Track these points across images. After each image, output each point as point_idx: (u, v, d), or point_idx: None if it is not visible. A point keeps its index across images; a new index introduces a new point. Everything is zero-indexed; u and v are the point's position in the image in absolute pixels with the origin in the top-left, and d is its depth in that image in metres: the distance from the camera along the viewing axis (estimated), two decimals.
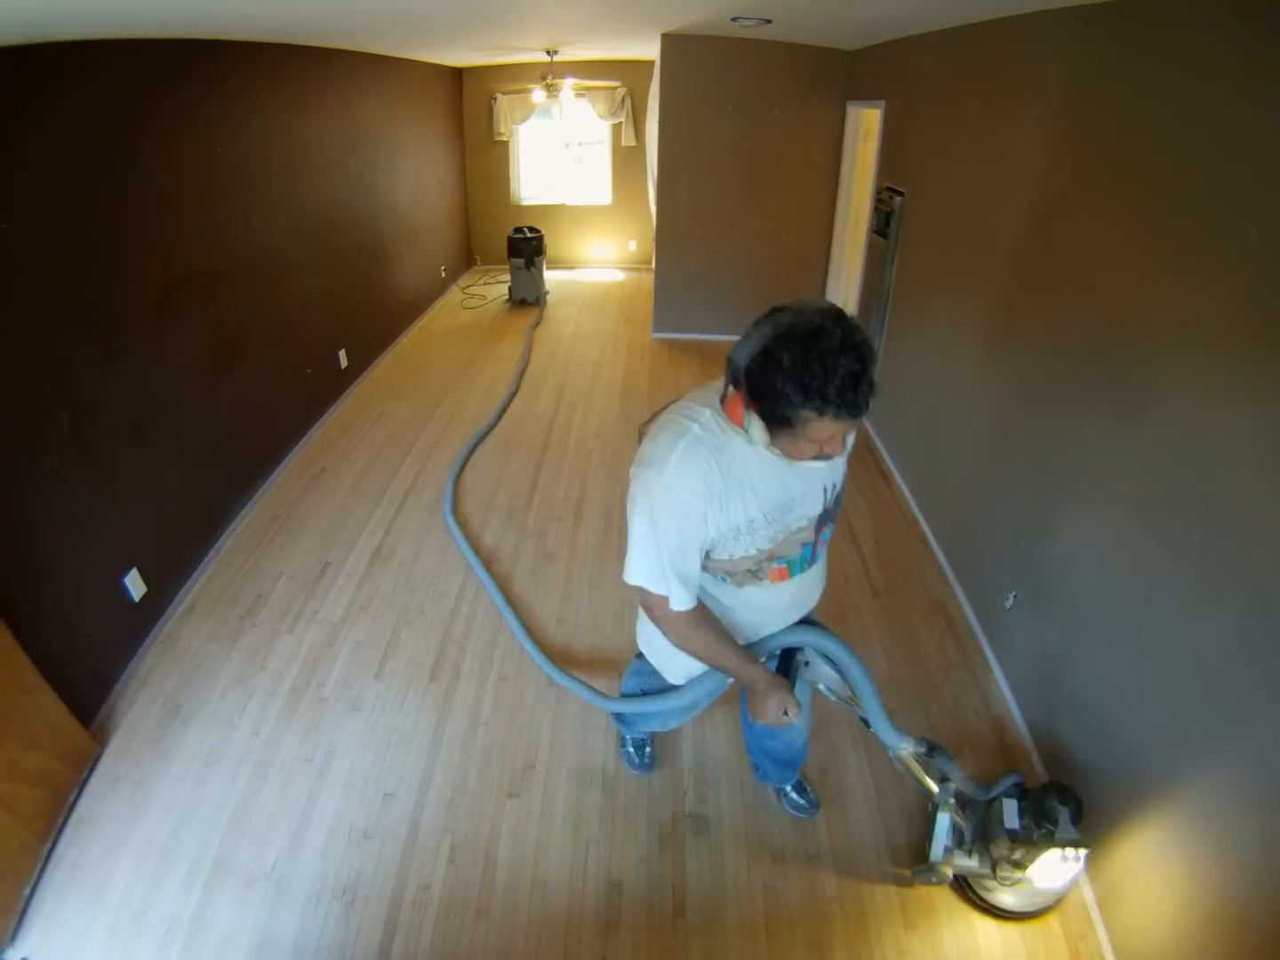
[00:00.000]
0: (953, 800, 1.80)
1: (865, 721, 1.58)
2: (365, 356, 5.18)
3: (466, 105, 7.44)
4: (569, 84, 6.46)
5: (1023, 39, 2.56)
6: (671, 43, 4.92)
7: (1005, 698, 2.51)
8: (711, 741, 2.35)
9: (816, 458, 1.12)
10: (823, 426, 1.02)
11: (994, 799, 1.88)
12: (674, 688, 1.62)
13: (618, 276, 7.98)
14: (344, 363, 4.77)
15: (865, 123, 4.90)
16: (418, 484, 3.78)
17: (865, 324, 4.46)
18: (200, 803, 2.15)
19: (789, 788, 2.14)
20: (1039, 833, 1.77)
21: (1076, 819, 1.77)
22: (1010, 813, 1.87)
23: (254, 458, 3.68)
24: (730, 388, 1.15)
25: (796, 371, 0.97)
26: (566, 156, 7.84)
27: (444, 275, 7.18)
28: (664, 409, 1.28)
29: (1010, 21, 2.62)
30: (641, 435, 1.29)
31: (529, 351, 5.56)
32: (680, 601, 1.25)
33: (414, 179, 6.19)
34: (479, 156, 7.69)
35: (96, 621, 2.48)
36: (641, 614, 1.55)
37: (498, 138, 7.54)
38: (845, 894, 1.94)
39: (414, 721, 2.41)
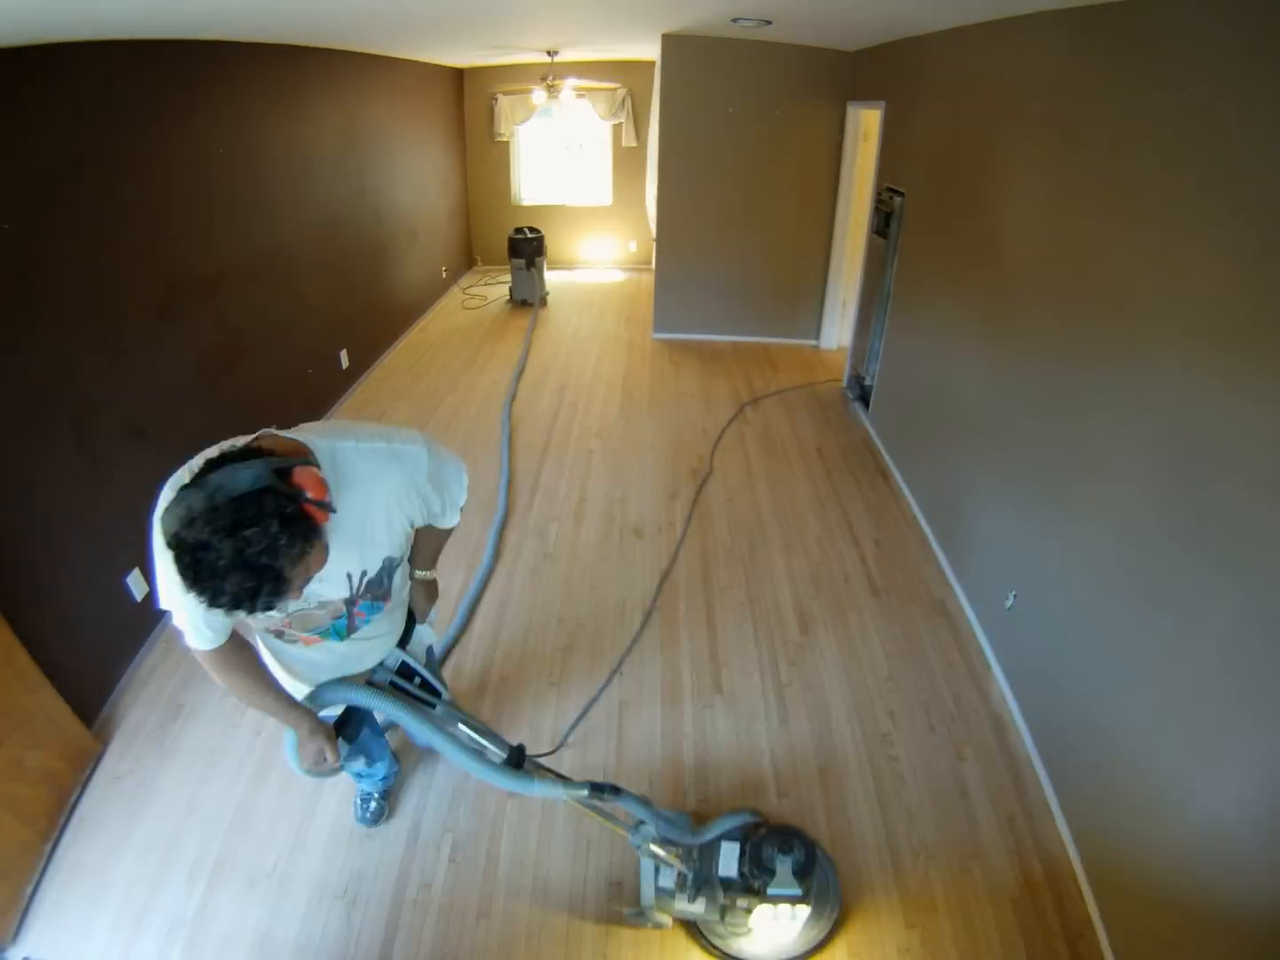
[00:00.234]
0: (651, 844, 1.60)
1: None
2: (366, 357, 5.19)
3: (467, 106, 7.45)
4: (569, 85, 6.47)
5: (1023, 39, 2.56)
6: (672, 43, 4.93)
7: (1005, 698, 2.51)
8: (712, 741, 2.36)
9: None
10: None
11: (707, 838, 1.72)
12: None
13: (618, 277, 7.98)
14: (345, 363, 4.78)
15: (865, 123, 4.90)
16: None
17: (866, 324, 4.47)
18: (202, 802, 2.15)
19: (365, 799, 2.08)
20: (756, 882, 1.62)
21: (802, 870, 1.61)
22: (728, 858, 1.71)
23: None
24: None
25: (189, 584, 0.89)
26: (566, 156, 7.85)
27: (445, 276, 7.19)
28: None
29: (1010, 22, 2.63)
30: None
31: (525, 356, 5.56)
32: (197, 640, 1.18)
33: (415, 179, 6.20)
34: (479, 157, 7.70)
35: (99, 621, 2.49)
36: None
37: (498, 138, 7.54)
38: (846, 895, 1.94)
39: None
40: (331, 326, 4.58)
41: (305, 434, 1.12)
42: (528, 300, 6.80)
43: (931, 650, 2.73)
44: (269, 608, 0.93)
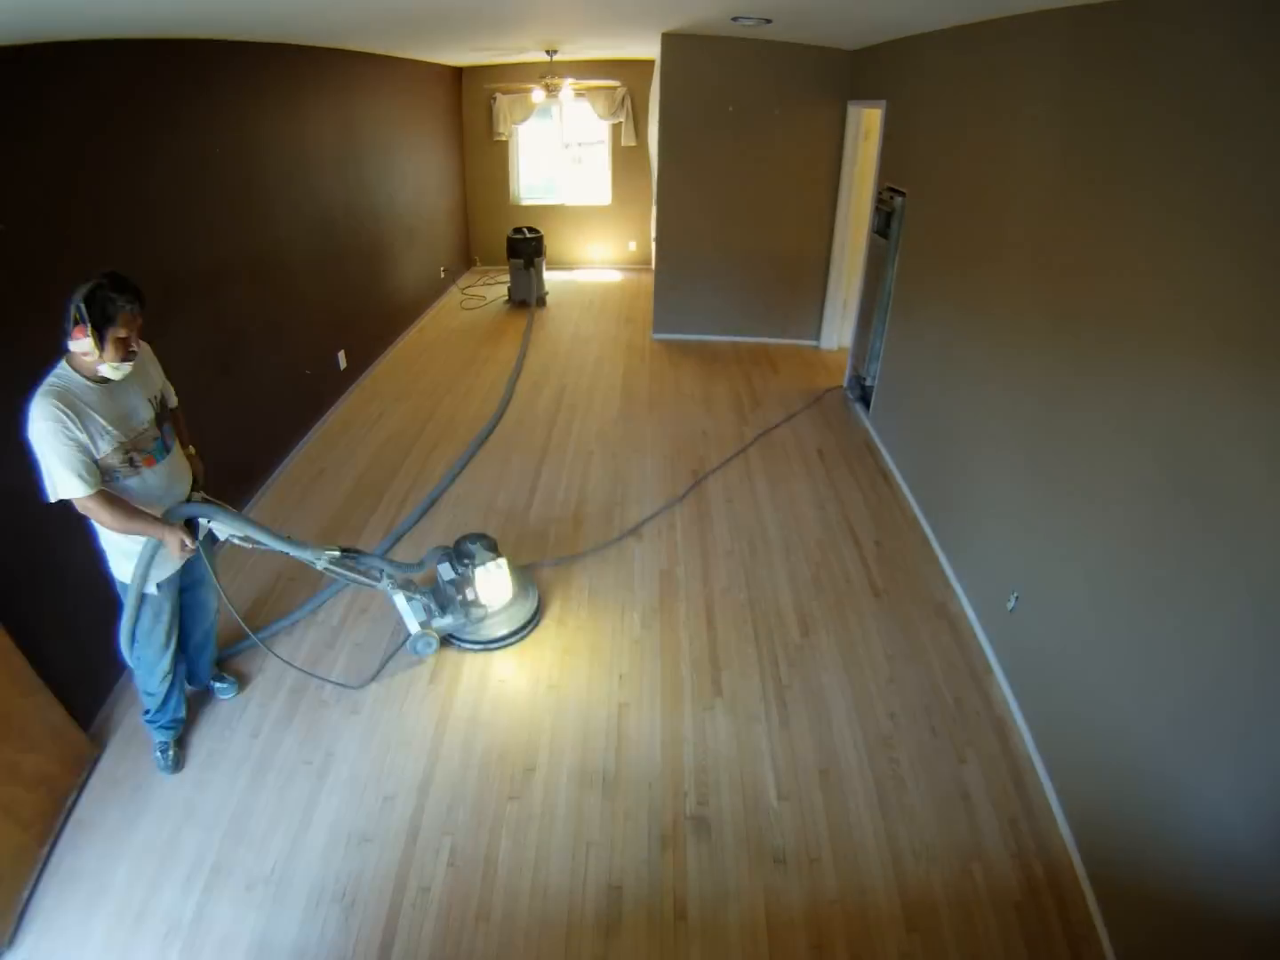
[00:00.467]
0: (395, 585, 2.32)
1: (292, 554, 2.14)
2: (365, 357, 5.18)
3: (466, 105, 7.44)
4: (569, 84, 6.46)
5: (1023, 39, 2.55)
6: (672, 42, 4.92)
7: (1007, 699, 2.50)
8: (712, 744, 2.35)
9: (125, 358, 1.73)
10: (127, 320, 1.68)
11: (427, 566, 2.54)
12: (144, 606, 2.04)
13: (617, 277, 7.97)
14: (343, 364, 4.77)
15: (865, 123, 4.90)
16: (417, 485, 3.77)
17: (866, 324, 4.46)
18: (199, 805, 2.14)
19: (215, 683, 2.48)
20: (467, 568, 2.41)
21: (490, 545, 2.50)
22: (444, 570, 2.54)
23: (254, 458, 3.67)
24: (73, 326, 1.64)
25: (113, 285, 1.66)
26: (566, 156, 7.84)
27: (443, 276, 7.17)
28: None
29: (1010, 21, 2.62)
30: None
31: (523, 359, 5.54)
32: (83, 488, 1.70)
33: (413, 179, 6.19)
34: (478, 156, 7.69)
35: (95, 624, 2.47)
36: (103, 544, 1.98)
37: (497, 138, 7.53)
38: (847, 896, 1.93)
39: (414, 724, 2.41)
40: (330, 327, 4.56)
41: None
42: (526, 300, 6.79)
43: (933, 652, 2.73)
44: (142, 302, 1.72)
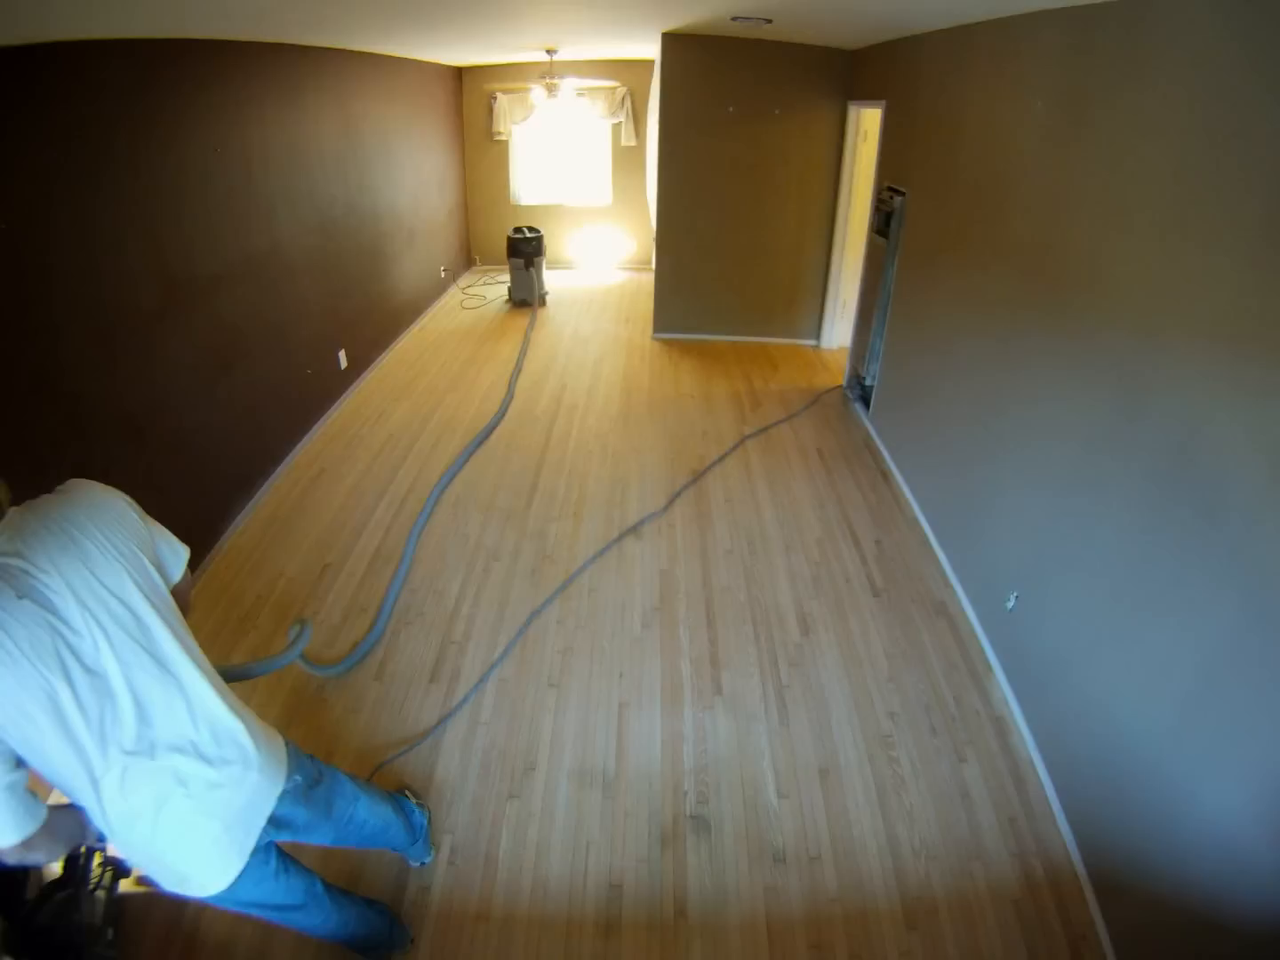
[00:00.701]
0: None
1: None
2: (365, 357, 5.18)
3: (466, 105, 7.44)
4: (569, 84, 6.46)
5: (1023, 39, 2.55)
6: (672, 42, 4.92)
7: (1007, 699, 2.50)
8: (712, 743, 2.35)
9: None
10: None
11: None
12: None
13: (617, 277, 7.97)
14: (344, 363, 4.77)
15: (865, 123, 4.89)
16: (418, 485, 3.77)
17: (866, 324, 4.46)
18: None
19: (409, 849, 1.93)
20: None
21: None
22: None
23: (254, 458, 3.67)
24: None
25: None
26: (566, 156, 7.83)
27: (444, 275, 7.18)
28: None
29: (1010, 21, 2.62)
30: None
31: (523, 358, 5.55)
32: (27, 819, 1.09)
33: (413, 179, 6.19)
34: (478, 156, 7.69)
35: None
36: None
37: (497, 137, 7.53)
38: (846, 895, 1.93)
39: (413, 723, 2.41)
40: (330, 326, 4.56)
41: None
42: (527, 300, 6.79)
43: (933, 651, 2.73)
44: None
